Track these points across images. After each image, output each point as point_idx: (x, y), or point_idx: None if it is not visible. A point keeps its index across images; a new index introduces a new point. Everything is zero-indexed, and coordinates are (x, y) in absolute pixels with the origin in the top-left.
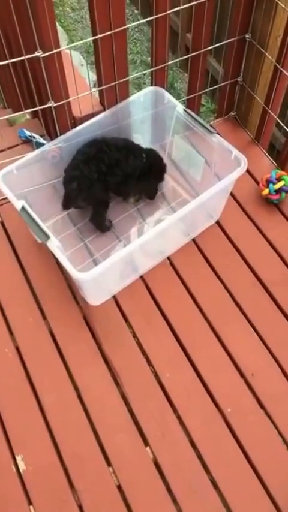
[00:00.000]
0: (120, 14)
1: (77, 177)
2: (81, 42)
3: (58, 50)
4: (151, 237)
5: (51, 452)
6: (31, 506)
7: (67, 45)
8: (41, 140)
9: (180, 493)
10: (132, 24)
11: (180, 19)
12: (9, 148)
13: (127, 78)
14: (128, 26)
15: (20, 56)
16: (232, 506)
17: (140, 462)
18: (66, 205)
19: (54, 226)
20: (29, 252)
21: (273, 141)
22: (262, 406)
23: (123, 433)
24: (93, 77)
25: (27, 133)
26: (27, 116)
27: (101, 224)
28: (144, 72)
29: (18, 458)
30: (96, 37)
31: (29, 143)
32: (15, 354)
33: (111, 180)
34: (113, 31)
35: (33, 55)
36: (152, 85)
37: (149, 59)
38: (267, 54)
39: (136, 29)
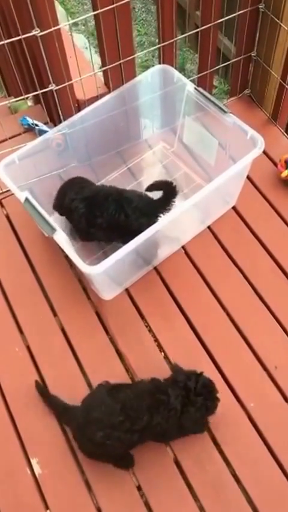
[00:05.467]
0: None
1: None
2: (80, 18)
3: (57, 27)
4: (163, 225)
5: (67, 454)
6: (48, 511)
7: (70, 28)
8: (44, 127)
9: (203, 491)
10: None
11: None
12: (11, 137)
13: (133, 57)
14: None
15: (17, 36)
16: (257, 504)
17: (160, 461)
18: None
19: (61, 218)
20: (37, 247)
21: None
22: (287, 400)
23: None
24: (98, 59)
25: (30, 120)
26: (30, 103)
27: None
28: (150, 49)
29: (34, 462)
30: (98, 12)
31: (32, 132)
32: (26, 353)
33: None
34: (115, 4)
35: (30, 34)
36: (160, 64)
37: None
38: (282, 24)
39: (143, 9)
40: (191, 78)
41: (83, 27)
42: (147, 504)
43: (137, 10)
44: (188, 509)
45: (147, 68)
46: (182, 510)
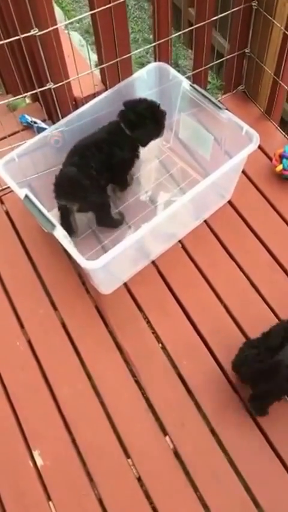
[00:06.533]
0: None
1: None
2: (78, 18)
3: (55, 27)
4: (161, 220)
5: (69, 445)
6: (50, 502)
7: (66, 26)
8: (43, 125)
9: (202, 482)
10: None
11: None
12: (10, 135)
13: (129, 55)
14: None
15: (16, 36)
16: (255, 492)
17: (159, 452)
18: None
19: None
20: (36, 242)
21: (285, 114)
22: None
23: (141, 424)
24: (95, 57)
25: (28, 118)
26: (28, 101)
27: (111, 223)
28: (146, 47)
29: (35, 453)
30: (94, 11)
31: (31, 129)
32: (27, 347)
33: (104, 181)
34: (112, 4)
35: (29, 34)
36: (155, 61)
37: (151, 36)
38: (275, 21)
39: (136, 7)
40: (187, 75)
41: (77, 24)
42: (147, 494)
43: (130, 7)
44: (187, 499)
45: (141, 64)
46: (181, 500)
